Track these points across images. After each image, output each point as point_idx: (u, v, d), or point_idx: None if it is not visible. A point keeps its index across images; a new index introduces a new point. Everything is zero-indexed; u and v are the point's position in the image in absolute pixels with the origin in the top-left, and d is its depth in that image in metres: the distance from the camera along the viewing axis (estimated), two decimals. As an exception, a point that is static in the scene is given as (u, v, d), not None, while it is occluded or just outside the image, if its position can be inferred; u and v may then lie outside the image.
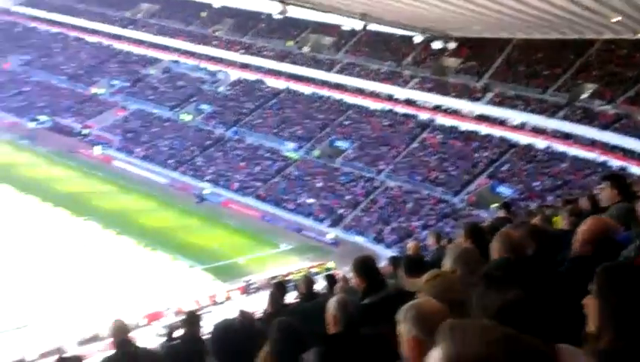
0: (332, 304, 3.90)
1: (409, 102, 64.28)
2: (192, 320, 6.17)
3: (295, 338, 3.63)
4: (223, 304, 36.39)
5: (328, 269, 42.48)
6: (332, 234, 49.22)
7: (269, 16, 63.95)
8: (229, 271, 41.27)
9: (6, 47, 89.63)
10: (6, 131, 67.32)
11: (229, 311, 31.31)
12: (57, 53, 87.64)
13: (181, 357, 5.77)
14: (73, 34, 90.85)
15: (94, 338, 30.22)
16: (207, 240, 45.56)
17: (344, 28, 66.64)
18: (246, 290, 38.95)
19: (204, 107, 72.06)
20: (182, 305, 34.81)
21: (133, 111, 72.43)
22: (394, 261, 7.75)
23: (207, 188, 56.45)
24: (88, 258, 38.33)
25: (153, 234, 44.45)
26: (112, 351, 5.57)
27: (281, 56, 74.86)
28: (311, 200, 53.97)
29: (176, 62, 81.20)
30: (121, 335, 5.33)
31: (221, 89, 75.26)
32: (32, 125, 69.21)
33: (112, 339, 5.28)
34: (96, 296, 33.73)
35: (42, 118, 71.17)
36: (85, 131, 68.54)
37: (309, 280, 7.62)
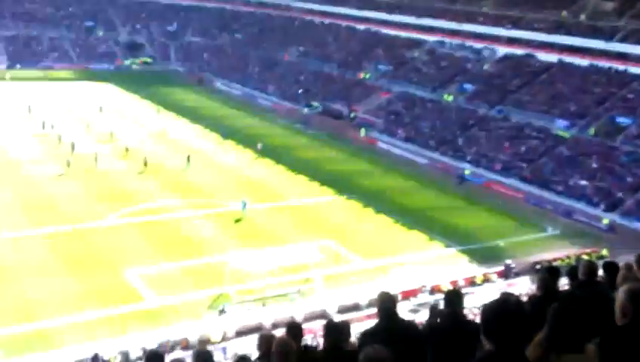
0: (622, 293, 3.72)
1: None
2: (454, 299, 6.02)
3: (573, 326, 3.75)
4: (481, 286, 34.63)
5: (602, 257, 37.65)
6: (607, 219, 43.40)
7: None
8: (488, 253, 39.03)
9: (286, 41, 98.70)
10: (284, 117, 73.96)
11: (488, 294, 29.65)
12: (329, 43, 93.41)
13: (444, 334, 5.63)
14: (344, 24, 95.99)
15: (355, 307, 31.35)
16: (465, 221, 43.83)
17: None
18: (505, 274, 36.43)
19: (468, 86, 69.87)
20: (438, 283, 34.19)
21: (397, 94, 73.49)
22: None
23: (467, 169, 54.47)
24: (347, 234, 39.54)
25: (411, 213, 44.23)
26: (376, 321, 5.58)
27: (554, 28, 68.90)
28: (584, 182, 48.38)
29: (440, 42, 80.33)
30: (387, 306, 5.44)
31: (486, 67, 72.27)
32: (306, 111, 74.80)
33: (377, 309, 5.34)
34: (354, 270, 34.73)
35: (315, 103, 76.47)
36: (352, 115, 71.68)
37: (591, 266, 6.53)
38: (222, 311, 29.40)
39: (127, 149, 53.04)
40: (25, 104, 65.90)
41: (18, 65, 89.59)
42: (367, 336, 5.34)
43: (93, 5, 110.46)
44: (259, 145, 57.80)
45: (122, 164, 50.01)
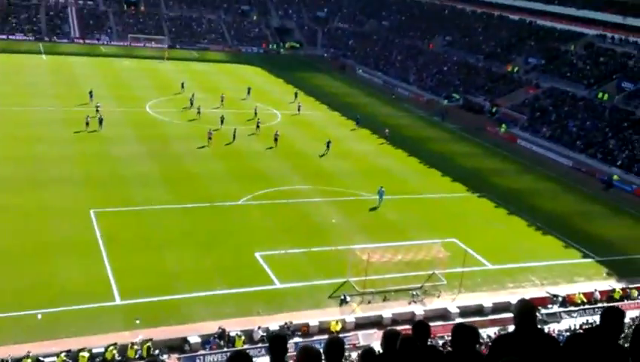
0: None
1: None
2: (612, 315, 5.23)
3: None
4: (620, 301, 32.39)
5: None
6: None
7: None
8: (631, 267, 36.36)
9: (432, 29, 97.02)
10: (421, 107, 73.08)
11: (626, 310, 27.71)
12: (478, 33, 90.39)
13: (587, 349, 4.88)
14: (497, 13, 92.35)
15: (478, 311, 30.80)
16: (608, 231, 41.03)
17: None
18: (649, 291, 33.73)
19: (627, 85, 64.54)
20: (571, 294, 32.54)
21: (546, 90, 69.68)
22: None
23: (616, 175, 50.64)
24: (475, 234, 38.59)
25: (548, 217, 42.15)
26: (512, 328, 5.26)
27: None
28: None
29: (600, 36, 74.78)
30: (526, 313, 5.07)
31: (651, 64, 66.31)
32: (445, 103, 73.32)
33: (514, 316, 5.00)
34: (480, 272, 33.98)
35: (455, 95, 74.69)
36: (494, 109, 69.20)
37: None
38: (343, 301, 30.11)
39: (258, 124, 55.89)
40: (179, 81, 70.47)
41: (177, 46, 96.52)
42: (501, 342, 5.06)
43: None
44: (386, 131, 58.22)
45: (260, 145, 52.24)
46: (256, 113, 60.55)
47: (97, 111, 53.70)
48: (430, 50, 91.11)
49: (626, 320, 29.92)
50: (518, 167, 54.25)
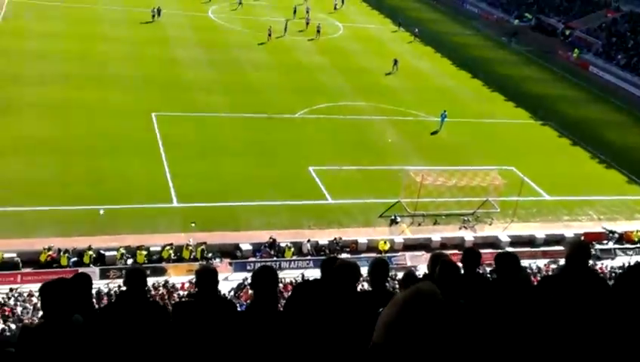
0: None
1: None
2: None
3: None
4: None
5: None
6: None
7: None
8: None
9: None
10: (490, 26, 69.75)
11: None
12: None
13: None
14: None
15: (530, 242, 30.47)
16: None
17: None
18: None
19: None
20: (629, 231, 31.88)
21: (625, 14, 65.15)
22: None
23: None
24: (534, 164, 37.56)
25: (613, 150, 40.58)
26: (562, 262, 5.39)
27: None
28: None
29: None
30: (578, 256, 4.75)
31: None
32: (516, 22, 69.72)
33: (566, 257, 4.71)
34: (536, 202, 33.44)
35: (527, 15, 70.79)
36: (567, 32, 65.47)
37: None
38: (394, 221, 30.29)
39: (316, 32, 56.08)
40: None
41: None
42: (548, 283, 5.07)
43: None
44: (416, 30, 60.14)
45: (321, 59, 51.32)
46: (307, 12, 60.44)
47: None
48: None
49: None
50: (587, 95, 51.87)
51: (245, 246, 26.95)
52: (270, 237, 27.17)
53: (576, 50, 60.67)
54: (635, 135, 44.56)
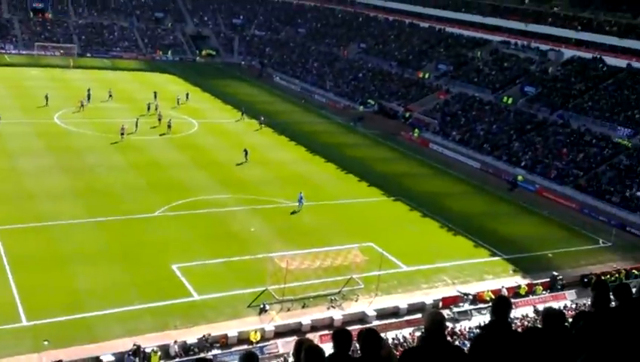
0: None
1: None
2: (502, 307, 5.53)
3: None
4: (525, 297, 34.20)
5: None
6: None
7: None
8: (535, 263, 38.44)
9: (347, 37, 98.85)
10: (338, 113, 74.26)
11: (531, 305, 29.08)
12: (391, 40, 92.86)
13: (490, 347, 5.20)
14: (408, 20, 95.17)
15: (394, 313, 31.58)
16: (514, 229, 43.20)
17: None
18: (551, 286, 35.79)
19: (529, 89, 68.26)
20: (480, 292, 33.97)
21: (455, 95, 72.52)
22: None
23: (521, 175, 53.41)
24: (391, 237, 39.62)
25: (459, 218, 43.87)
26: (421, 336, 5.32)
27: (626, 31, 66.29)
28: (643, 194, 46.77)
29: (505, 42, 78.63)
30: (435, 326, 5.10)
31: (550, 69, 70.30)
32: (361, 108, 74.86)
33: (424, 329, 5.04)
34: (396, 274, 34.91)
35: (371, 101, 76.40)
36: (407, 114, 71.27)
37: None
38: (263, 310, 30.16)
39: (167, 127, 57.23)
40: (85, 89, 67.29)
41: (88, 54, 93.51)
42: (409, 356, 5.08)
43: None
44: (261, 118, 63.66)
45: (177, 155, 51.48)
46: (155, 108, 62.97)
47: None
48: (345, 57, 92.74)
49: (532, 314, 31.68)
50: (430, 170, 56.16)
51: (107, 358, 25.34)
52: (134, 344, 25.87)
53: (416, 130, 66.00)
54: (475, 202, 48.60)
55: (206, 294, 30.64)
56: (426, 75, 78.90)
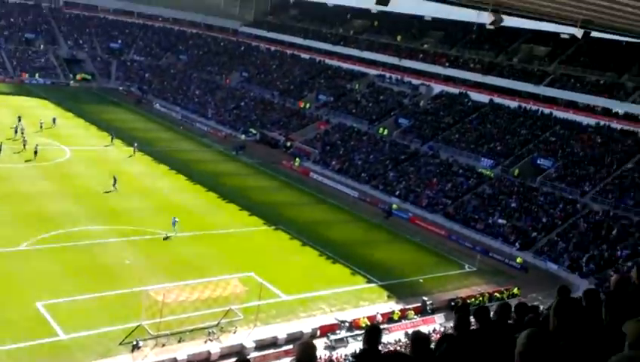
0: (522, 338, 3.62)
1: (629, 117, 57.55)
2: (372, 335, 5.71)
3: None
4: (398, 322, 35.56)
5: (513, 295, 39.35)
6: (520, 258, 45.51)
7: (481, 26, 61.92)
8: (407, 289, 40.16)
9: (230, 65, 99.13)
10: (219, 142, 74.00)
11: (404, 330, 30.17)
12: (273, 70, 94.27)
13: None
14: (290, 52, 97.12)
15: (273, 344, 31.57)
16: (388, 256, 44.90)
17: (563, 36, 62.91)
18: (422, 310, 37.51)
19: (403, 121, 71.85)
20: (356, 319, 34.85)
21: (335, 125, 74.72)
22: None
23: (395, 204, 55.85)
24: (271, 267, 39.86)
25: (337, 246, 44.96)
26: None
27: (488, 69, 71.82)
28: (502, 221, 50.45)
29: (380, 76, 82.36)
30: (305, 358, 5.10)
31: (422, 103, 74.42)
32: (243, 137, 75.10)
33: (296, 359, 5.00)
34: (275, 304, 35.05)
35: (252, 130, 76.89)
36: (288, 143, 72.43)
37: (504, 307, 6.55)
38: (135, 347, 29.14)
39: (34, 153, 54.44)
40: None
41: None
42: None
43: (36, 17, 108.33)
44: (135, 144, 62.35)
45: (45, 184, 48.90)
46: (22, 133, 60.04)
47: None
48: (227, 85, 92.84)
49: (404, 339, 32.99)
50: (310, 199, 57.23)
51: (-40, 407, 23.38)
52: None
53: (297, 159, 67.18)
54: (353, 230, 50.08)
55: (74, 332, 29.10)
56: (307, 105, 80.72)
